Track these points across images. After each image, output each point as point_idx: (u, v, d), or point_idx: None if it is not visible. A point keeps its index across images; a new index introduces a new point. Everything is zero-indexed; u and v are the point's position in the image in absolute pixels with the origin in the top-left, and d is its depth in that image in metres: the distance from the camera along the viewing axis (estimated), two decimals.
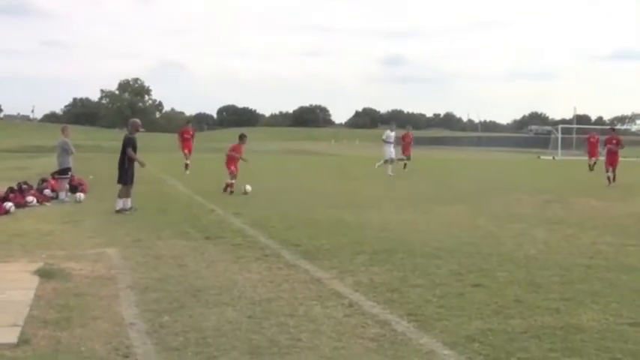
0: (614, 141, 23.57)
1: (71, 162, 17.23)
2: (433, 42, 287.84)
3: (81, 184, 18.22)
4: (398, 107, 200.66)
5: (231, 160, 18.59)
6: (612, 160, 22.99)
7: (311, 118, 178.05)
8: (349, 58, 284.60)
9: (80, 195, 16.56)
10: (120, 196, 14.09)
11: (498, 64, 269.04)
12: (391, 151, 27.83)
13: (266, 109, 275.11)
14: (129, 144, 14.28)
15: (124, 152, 14.30)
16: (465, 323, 6.07)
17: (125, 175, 14.23)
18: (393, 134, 28.53)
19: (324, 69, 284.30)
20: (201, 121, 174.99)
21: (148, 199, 15.93)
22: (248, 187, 17.73)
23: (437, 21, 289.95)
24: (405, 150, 30.09)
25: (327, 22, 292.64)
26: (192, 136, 28.00)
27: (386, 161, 27.74)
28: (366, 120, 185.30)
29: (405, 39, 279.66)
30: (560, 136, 58.39)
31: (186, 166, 26.33)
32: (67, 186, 16.93)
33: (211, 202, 15.87)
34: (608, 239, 10.89)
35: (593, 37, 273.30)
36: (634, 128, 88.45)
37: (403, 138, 30.71)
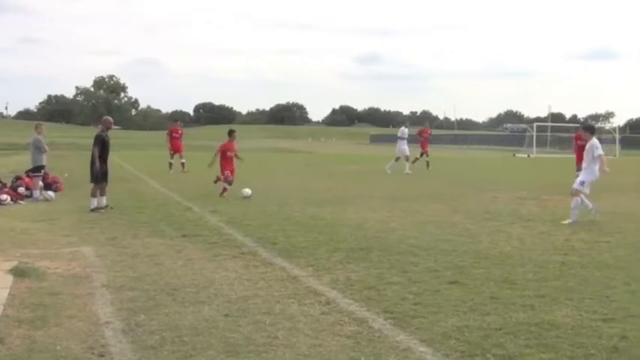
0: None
1: (45, 160, 17.06)
2: (410, 40, 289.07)
3: (56, 182, 18.06)
4: (375, 105, 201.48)
5: (226, 161, 17.26)
6: (582, 158, 22.23)
7: (288, 115, 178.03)
8: (326, 55, 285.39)
9: (50, 193, 16.41)
10: (93, 195, 13.98)
11: (474, 62, 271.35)
12: (404, 149, 27.43)
13: (243, 106, 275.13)
14: (96, 142, 14.15)
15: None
16: (441, 320, 6.11)
17: (95, 173, 14.10)
18: (407, 131, 28.14)
19: (301, 67, 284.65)
20: (177, 118, 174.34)
21: (123, 197, 15.84)
22: (248, 191, 16.38)
23: (413, 19, 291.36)
24: (424, 146, 29.50)
25: (303, 20, 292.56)
26: (181, 135, 27.48)
27: (397, 158, 27.39)
28: (343, 118, 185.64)
29: (381, 37, 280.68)
30: (535, 134, 58.86)
31: (171, 165, 26.03)
32: (42, 184, 16.77)
33: (188, 200, 15.80)
34: (582, 236, 11.01)
35: (568, 37, 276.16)
36: (608, 126, 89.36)
37: (420, 133, 30.02)
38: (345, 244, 9.96)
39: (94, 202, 13.90)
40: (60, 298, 6.85)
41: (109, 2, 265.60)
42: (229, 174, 17.03)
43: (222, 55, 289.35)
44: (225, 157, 17.27)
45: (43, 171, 17.04)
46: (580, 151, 21.46)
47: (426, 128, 30.83)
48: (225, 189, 16.84)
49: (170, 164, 26.13)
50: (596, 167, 12.66)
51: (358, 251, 9.46)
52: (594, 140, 12.86)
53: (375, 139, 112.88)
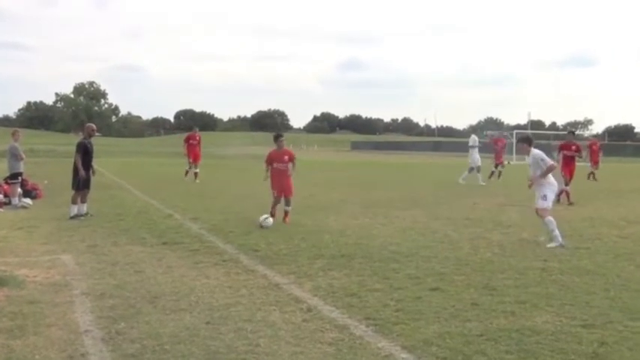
0: (574, 147, 19.51)
1: (22, 167, 16.92)
2: (391, 46, 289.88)
3: (35, 189, 17.93)
4: (356, 112, 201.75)
5: (279, 175, 13.59)
6: (571, 169, 19.16)
7: (269, 122, 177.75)
8: (307, 62, 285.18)
9: (28, 200, 16.27)
10: (73, 202, 13.88)
11: (455, 69, 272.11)
12: (477, 158, 26.38)
13: (224, 113, 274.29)
14: (79, 149, 14.05)
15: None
16: (422, 327, 6.12)
17: (78, 180, 14.00)
18: (477, 139, 27.27)
19: (283, 73, 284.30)
20: (158, 125, 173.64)
21: (104, 205, 15.73)
22: (270, 221, 12.62)
23: (394, 25, 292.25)
24: (498, 157, 28.21)
25: (285, 27, 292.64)
26: (199, 142, 25.98)
27: (471, 169, 26.24)
28: (325, 124, 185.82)
29: (362, 43, 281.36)
30: (515, 141, 59.17)
31: (187, 173, 25.30)
32: (20, 191, 16.62)
33: (169, 207, 15.73)
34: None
35: (547, 44, 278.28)
36: (587, 134, 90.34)
37: (495, 142, 28.81)
38: (327, 251, 9.96)
39: (74, 210, 13.79)
40: (39, 307, 6.78)
41: (89, 8, 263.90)
42: (281, 190, 13.58)
43: (203, 61, 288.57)
44: (280, 172, 13.66)
45: (20, 178, 16.90)
46: (567, 161, 19.02)
47: (502, 137, 29.77)
48: (274, 210, 13.44)
49: (187, 172, 25.33)
50: (551, 178, 11.30)
51: (340, 258, 9.46)
52: (535, 151, 11.40)
53: (357, 146, 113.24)
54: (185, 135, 27.61)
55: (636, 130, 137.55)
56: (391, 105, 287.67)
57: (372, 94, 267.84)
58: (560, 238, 10.72)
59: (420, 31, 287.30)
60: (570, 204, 17.68)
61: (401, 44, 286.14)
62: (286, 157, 13.68)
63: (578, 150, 19.55)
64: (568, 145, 19.36)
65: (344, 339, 5.77)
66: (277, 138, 14.07)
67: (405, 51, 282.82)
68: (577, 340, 5.75)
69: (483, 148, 28.56)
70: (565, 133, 30.60)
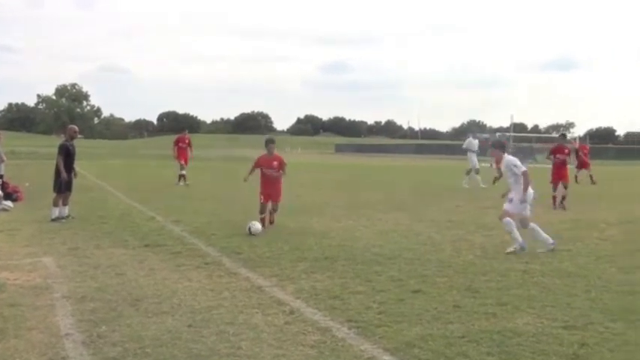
0: (566, 151, 18.62)
1: (3, 169, 16.77)
2: (374, 49, 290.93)
3: (16, 192, 17.77)
4: (340, 114, 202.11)
5: (269, 181, 13.17)
6: (562, 175, 18.20)
7: (253, 125, 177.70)
8: (291, 64, 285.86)
9: (9, 203, 16.14)
10: (55, 205, 13.78)
11: (438, 72, 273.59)
12: (475, 161, 26.15)
13: (207, 115, 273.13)
14: (60, 151, 13.95)
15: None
16: (405, 329, 6.14)
17: (59, 182, 13.90)
18: (476, 142, 26.90)
19: (266, 75, 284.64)
20: (141, 127, 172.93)
21: (86, 207, 15.63)
22: (259, 227, 12.06)
23: (378, 28, 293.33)
24: (584, 163, 28.05)
25: (269, 29, 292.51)
26: (189, 144, 25.27)
27: (469, 171, 26.04)
28: (308, 127, 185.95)
29: (346, 46, 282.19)
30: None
31: (180, 177, 24.41)
32: (1, 193, 16.48)
33: (151, 209, 15.67)
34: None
35: (530, 48, 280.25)
36: (569, 136, 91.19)
37: (581, 149, 28.22)
38: (310, 254, 9.97)
39: (56, 212, 13.70)
40: (20, 310, 6.73)
41: (72, 9, 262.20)
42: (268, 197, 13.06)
43: (186, 63, 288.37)
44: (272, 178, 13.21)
45: (1, 180, 16.75)
46: (559, 166, 18.11)
47: (585, 144, 29.55)
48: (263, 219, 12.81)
49: (180, 176, 24.44)
50: (530, 189, 10.67)
51: (323, 260, 9.47)
52: (508, 157, 10.92)
53: (340, 149, 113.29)
54: (174, 137, 26.78)
55: (617, 133, 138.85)
56: (375, 107, 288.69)
57: (355, 97, 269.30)
58: (520, 240, 10.34)
59: (403, 33, 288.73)
60: (560, 208, 17.38)
61: (385, 47, 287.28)
62: (275, 163, 13.13)
63: (569, 154, 18.97)
64: (561, 149, 18.56)
65: (326, 341, 5.77)
66: (268, 143, 13.41)
67: (389, 53, 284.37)
68: (558, 342, 5.80)
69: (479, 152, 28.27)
70: (548, 135, 30.36)
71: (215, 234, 11.89)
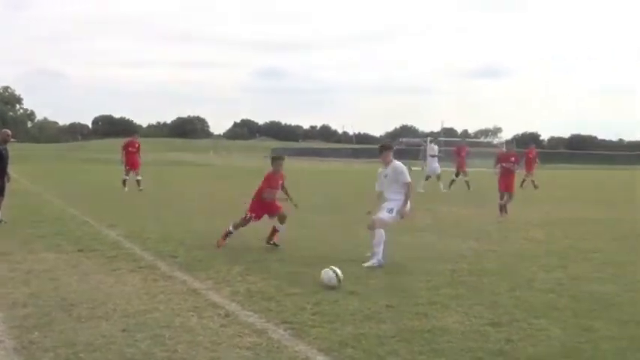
0: (512, 158, 17.67)
1: None
2: (310, 54, 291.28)
3: None
4: (276, 119, 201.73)
5: (262, 201, 11.45)
6: (509, 183, 17.44)
7: (190, 129, 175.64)
8: (228, 69, 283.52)
9: None
10: None
11: (371, 77, 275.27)
12: (436, 166, 26.81)
13: (143, 119, 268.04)
14: None
15: None
16: (338, 329, 6.27)
17: None
18: (437, 148, 27.60)
19: (203, 80, 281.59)
20: (75, 131, 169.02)
21: (18, 212, 15.26)
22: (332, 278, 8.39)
23: (313, 34, 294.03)
24: (461, 165, 27.79)
25: (205, 33, 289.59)
26: (138, 149, 24.24)
27: (428, 177, 26.66)
28: (245, 131, 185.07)
29: (282, 51, 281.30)
30: (428, 147, 60.38)
31: (125, 182, 23.36)
32: None
33: (84, 213, 15.42)
34: (471, 245, 11.55)
35: (458, 56, 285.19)
36: (496, 141, 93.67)
37: (458, 151, 28.26)
38: (245, 257, 10.02)
39: None
40: None
41: (5, 11, 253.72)
42: (255, 213, 11.52)
43: (122, 67, 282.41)
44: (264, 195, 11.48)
45: None
46: (505, 174, 17.26)
47: (464, 146, 29.54)
48: (244, 220, 11.48)
49: (124, 181, 23.47)
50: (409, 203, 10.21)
51: (257, 263, 9.54)
52: (397, 163, 10.49)
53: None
54: (123, 141, 25.42)
55: (542, 138, 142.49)
56: (310, 112, 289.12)
57: (291, 101, 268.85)
58: (380, 256, 9.59)
59: (338, 38, 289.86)
60: (503, 214, 16.81)
61: (321, 52, 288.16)
62: (281, 182, 11.52)
63: (517, 161, 18.04)
64: (507, 156, 17.81)
65: (262, 343, 5.85)
66: (276, 160, 11.85)
67: (324, 59, 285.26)
68: (485, 339, 6.04)
69: (443, 157, 28.94)
70: (474, 140, 30.71)
71: (150, 238, 11.82)
